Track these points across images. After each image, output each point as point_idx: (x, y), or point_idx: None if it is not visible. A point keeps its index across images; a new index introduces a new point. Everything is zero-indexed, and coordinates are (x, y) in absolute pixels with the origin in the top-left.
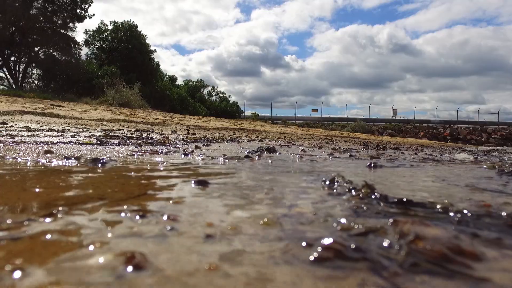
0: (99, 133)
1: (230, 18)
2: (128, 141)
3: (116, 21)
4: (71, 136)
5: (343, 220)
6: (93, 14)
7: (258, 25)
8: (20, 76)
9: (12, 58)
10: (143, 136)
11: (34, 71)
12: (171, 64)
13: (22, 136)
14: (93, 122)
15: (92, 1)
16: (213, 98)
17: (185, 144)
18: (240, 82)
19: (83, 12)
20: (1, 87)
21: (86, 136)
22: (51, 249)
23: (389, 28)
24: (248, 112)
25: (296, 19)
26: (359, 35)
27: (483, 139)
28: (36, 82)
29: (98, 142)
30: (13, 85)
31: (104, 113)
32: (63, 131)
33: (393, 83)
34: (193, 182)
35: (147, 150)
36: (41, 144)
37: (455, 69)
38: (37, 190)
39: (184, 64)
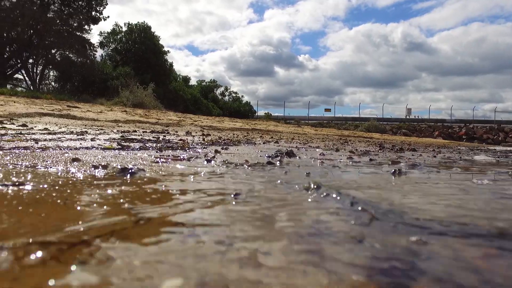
0: (117, 135)
1: (243, 19)
2: (148, 145)
3: (130, 23)
4: (91, 139)
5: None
6: (108, 16)
7: (271, 25)
8: (37, 78)
9: (30, 60)
10: (161, 139)
11: (51, 73)
12: (185, 65)
13: (45, 140)
14: (109, 123)
15: (107, 3)
16: (226, 98)
17: (204, 148)
18: (253, 82)
19: (98, 14)
20: (20, 89)
21: (105, 139)
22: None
23: (403, 26)
24: (261, 112)
25: (310, 19)
26: (373, 34)
27: (500, 138)
28: (52, 83)
29: (120, 147)
30: (31, 87)
31: (119, 114)
32: (82, 133)
33: (408, 82)
34: (224, 196)
35: (169, 156)
36: (65, 149)
37: (472, 67)
38: (78, 208)
39: (198, 64)
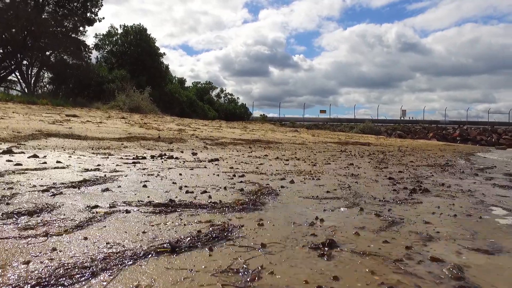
0: (140, 182)
1: (238, 19)
2: (186, 223)
3: (126, 25)
4: (124, 209)
5: None
6: (103, 17)
7: (266, 25)
8: (32, 80)
9: (24, 62)
10: (189, 199)
11: (46, 75)
12: (179, 65)
13: (86, 222)
14: (115, 143)
15: (102, 5)
16: (222, 100)
17: (240, 225)
18: (248, 82)
19: (93, 15)
20: (15, 92)
21: (137, 204)
22: None
23: (397, 27)
24: (256, 113)
25: (304, 19)
26: (368, 34)
27: (493, 140)
28: (47, 86)
29: (170, 247)
30: (25, 89)
31: (118, 124)
32: (104, 184)
33: (402, 82)
34: None
35: (227, 271)
36: (124, 260)
37: (465, 67)
38: None
39: (192, 64)
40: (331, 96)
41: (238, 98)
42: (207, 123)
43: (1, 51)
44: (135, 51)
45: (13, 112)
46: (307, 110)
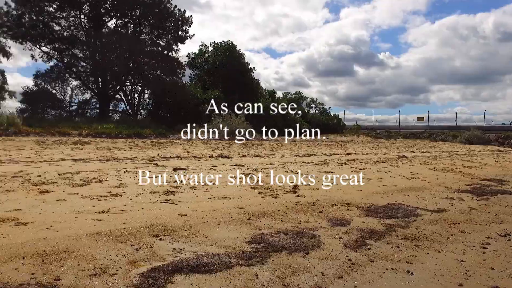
0: None
1: (319, 19)
2: None
3: (216, 42)
4: None
5: None
6: (193, 34)
7: (348, 23)
8: (135, 102)
9: (127, 83)
10: None
11: (146, 95)
12: (264, 68)
13: None
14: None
15: (192, 22)
16: (313, 110)
17: None
18: (332, 83)
19: (184, 33)
20: (119, 115)
21: None
22: None
23: (495, 15)
24: (343, 113)
25: (387, 15)
26: (459, 26)
27: None
28: (148, 107)
29: None
30: (130, 111)
31: (229, 192)
32: None
33: (505, 76)
34: None
35: None
36: None
37: None
38: None
39: (276, 67)
40: (421, 94)
41: (330, 108)
42: (309, 153)
43: (108, 73)
44: (227, 68)
45: (124, 171)
46: (396, 110)
